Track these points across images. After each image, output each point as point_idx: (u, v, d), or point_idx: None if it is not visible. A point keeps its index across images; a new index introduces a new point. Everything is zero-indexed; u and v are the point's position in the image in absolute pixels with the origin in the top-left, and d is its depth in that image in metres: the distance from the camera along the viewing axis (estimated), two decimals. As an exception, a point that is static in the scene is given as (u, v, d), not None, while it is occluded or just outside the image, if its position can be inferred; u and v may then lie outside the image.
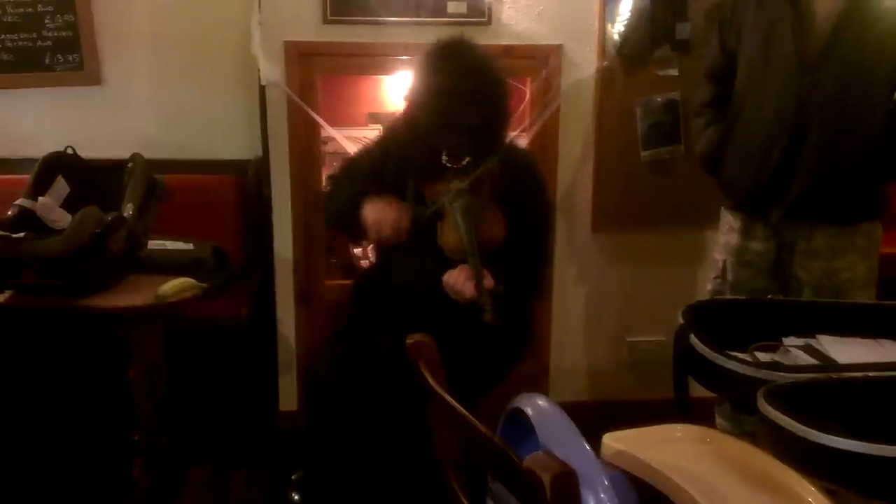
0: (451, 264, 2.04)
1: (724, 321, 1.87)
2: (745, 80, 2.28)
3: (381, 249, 2.27)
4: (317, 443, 2.22)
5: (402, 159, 2.15)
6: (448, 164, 2.03)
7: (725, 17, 2.34)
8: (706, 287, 2.53)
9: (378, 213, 2.07)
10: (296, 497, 2.48)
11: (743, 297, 2.30)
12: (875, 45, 2.10)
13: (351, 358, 2.13)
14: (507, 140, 2.19)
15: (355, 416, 2.06)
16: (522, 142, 2.83)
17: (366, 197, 2.11)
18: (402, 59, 2.79)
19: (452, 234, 2.02)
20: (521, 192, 2.14)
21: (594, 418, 1.54)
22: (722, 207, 2.43)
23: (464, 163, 2.01)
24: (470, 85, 1.99)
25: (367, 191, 2.13)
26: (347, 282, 2.70)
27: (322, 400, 2.13)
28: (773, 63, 2.18)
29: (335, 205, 2.25)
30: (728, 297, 2.36)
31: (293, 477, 2.53)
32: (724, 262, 2.39)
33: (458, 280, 1.97)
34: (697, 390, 1.84)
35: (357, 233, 2.15)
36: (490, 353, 2.15)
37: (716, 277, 2.43)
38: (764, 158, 2.21)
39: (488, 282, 1.93)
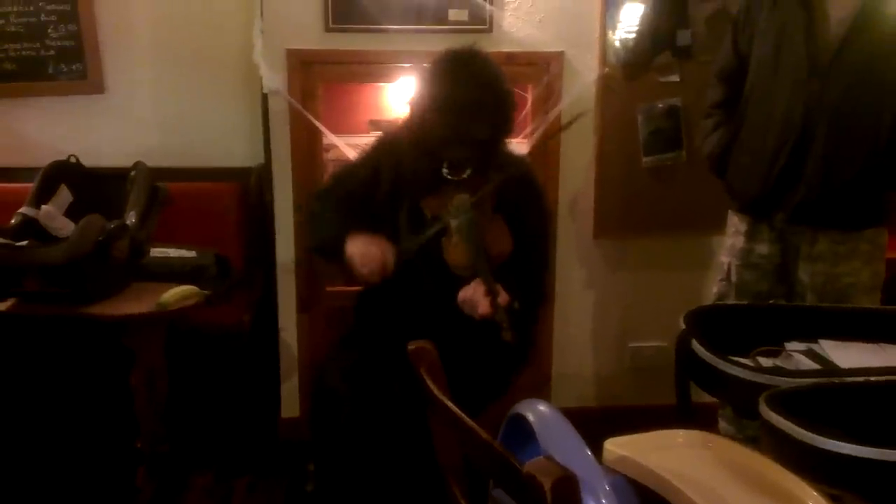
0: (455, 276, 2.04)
1: (726, 326, 1.87)
2: (754, 82, 2.28)
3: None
4: (323, 450, 2.22)
5: (397, 172, 2.14)
6: (449, 177, 2.02)
7: (739, 18, 2.34)
8: (711, 290, 2.53)
9: (364, 254, 2.02)
10: (309, 489, 2.50)
11: (745, 302, 2.30)
12: (886, 52, 2.10)
13: (362, 366, 2.12)
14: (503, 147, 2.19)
15: (365, 423, 2.05)
16: (523, 148, 2.83)
17: (351, 229, 2.06)
18: (404, 67, 2.80)
19: (459, 251, 2.00)
20: (521, 201, 2.14)
21: (596, 424, 1.54)
22: (729, 210, 2.44)
23: (465, 175, 2.01)
24: (481, 98, 1.97)
25: (352, 221, 2.09)
26: (349, 288, 2.70)
27: (331, 407, 2.12)
28: (783, 66, 2.19)
29: (319, 233, 2.21)
30: (732, 300, 2.36)
31: (310, 467, 2.51)
32: (730, 264, 2.39)
33: (473, 296, 1.94)
34: (700, 395, 1.84)
35: (341, 265, 2.08)
36: (494, 361, 2.15)
37: (721, 279, 2.43)
38: (770, 161, 2.21)
39: (503, 298, 1.90)
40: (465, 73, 1.98)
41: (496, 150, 2.07)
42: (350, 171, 2.31)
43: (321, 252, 2.25)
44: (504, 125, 2.05)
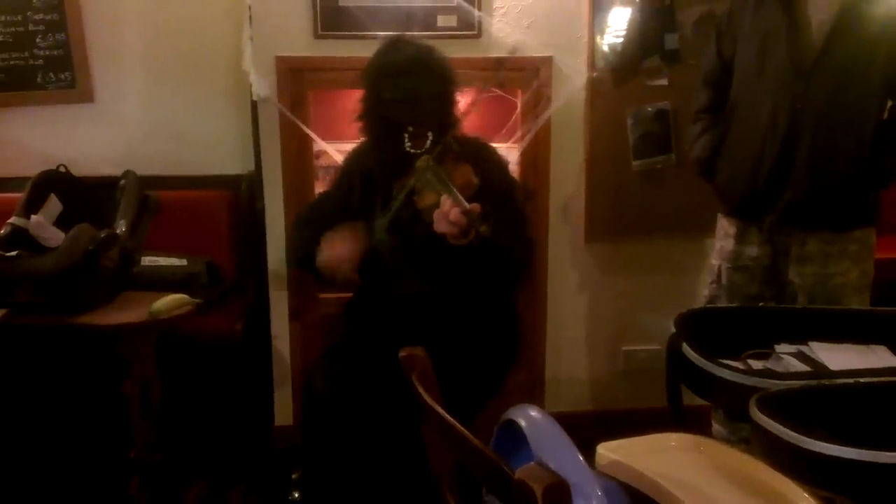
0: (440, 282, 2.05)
1: (716, 329, 1.88)
2: (739, 86, 2.30)
3: (371, 265, 2.27)
4: (314, 456, 2.23)
5: (366, 173, 2.22)
6: (412, 150, 2.09)
7: (722, 24, 2.36)
8: (703, 293, 2.54)
9: (329, 247, 2.12)
10: (297, 495, 2.50)
11: (735, 305, 2.31)
12: (867, 55, 2.12)
13: (349, 372, 2.13)
14: (462, 133, 2.24)
15: (353, 429, 2.06)
16: (513, 153, 2.84)
17: (322, 238, 2.15)
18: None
19: (429, 195, 2.04)
20: (483, 168, 2.16)
21: (590, 428, 1.55)
22: (718, 213, 2.45)
23: (427, 145, 2.09)
24: (423, 57, 2.13)
25: (323, 231, 2.16)
26: (341, 296, 2.69)
27: (320, 414, 2.13)
28: (767, 71, 2.20)
29: (296, 253, 2.30)
30: (723, 302, 2.37)
31: (293, 476, 2.53)
32: (720, 266, 2.40)
33: (441, 210, 1.93)
34: (693, 398, 1.84)
35: (318, 275, 2.18)
36: (483, 360, 2.16)
37: (712, 282, 2.44)
38: (757, 165, 2.23)
39: (474, 206, 1.90)
40: (400, 45, 2.17)
41: (449, 112, 2.17)
42: (323, 196, 2.43)
43: (300, 265, 2.30)
44: (449, 81, 2.17)
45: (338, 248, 2.11)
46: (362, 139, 2.30)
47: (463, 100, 2.27)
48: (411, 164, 2.06)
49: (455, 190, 1.95)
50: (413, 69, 2.10)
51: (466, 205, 1.89)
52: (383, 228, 2.12)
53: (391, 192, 2.14)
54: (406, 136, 2.10)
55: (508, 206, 2.18)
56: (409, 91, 2.07)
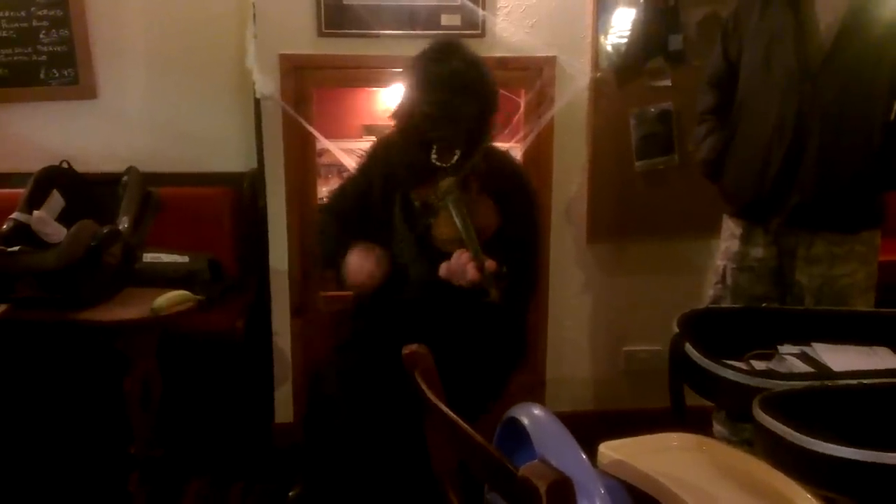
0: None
1: (719, 329, 1.88)
2: (746, 88, 2.30)
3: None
4: (317, 453, 2.22)
5: (389, 170, 2.18)
6: (437, 163, 2.06)
7: (728, 25, 2.36)
8: (706, 293, 2.54)
9: (355, 266, 2.12)
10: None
11: (738, 306, 2.31)
12: (875, 56, 2.12)
13: (359, 372, 2.12)
14: (489, 143, 2.22)
15: (360, 429, 2.05)
16: (517, 153, 2.84)
17: (350, 242, 2.15)
18: (397, 72, 2.79)
19: (446, 225, 2.03)
20: (507, 188, 2.17)
21: (591, 428, 1.54)
22: (724, 214, 2.45)
23: (453, 160, 2.05)
24: (466, 75, 2.06)
25: (351, 233, 2.17)
26: (343, 294, 2.69)
27: (328, 413, 2.12)
28: (774, 72, 2.20)
29: (324, 251, 2.29)
30: (728, 303, 2.37)
31: (290, 494, 2.52)
32: (725, 267, 2.40)
33: (457, 263, 1.95)
34: (695, 398, 1.84)
35: (342, 281, 2.20)
36: (489, 361, 2.15)
37: (717, 283, 2.44)
38: (764, 166, 2.23)
39: (490, 263, 1.92)
40: (449, 55, 2.08)
41: (483, 134, 2.11)
42: (346, 184, 2.38)
43: (328, 267, 2.28)
44: (489, 103, 2.11)
45: (363, 266, 2.11)
46: (392, 132, 2.26)
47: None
48: (435, 176, 2.05)
49: (474, 235, 1.95)
50: (453, 86, 2.03)
51: (483, 259, 1.91)
52: (411, 246, 2.12)
53: (410, 197, 2.14)
54: (434, 148, 2.07)
55: (524, 232, 2.18)
56: (443, 108, 2.02)
